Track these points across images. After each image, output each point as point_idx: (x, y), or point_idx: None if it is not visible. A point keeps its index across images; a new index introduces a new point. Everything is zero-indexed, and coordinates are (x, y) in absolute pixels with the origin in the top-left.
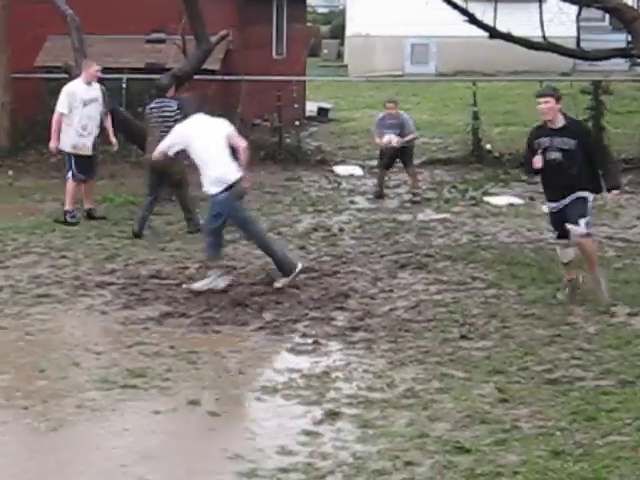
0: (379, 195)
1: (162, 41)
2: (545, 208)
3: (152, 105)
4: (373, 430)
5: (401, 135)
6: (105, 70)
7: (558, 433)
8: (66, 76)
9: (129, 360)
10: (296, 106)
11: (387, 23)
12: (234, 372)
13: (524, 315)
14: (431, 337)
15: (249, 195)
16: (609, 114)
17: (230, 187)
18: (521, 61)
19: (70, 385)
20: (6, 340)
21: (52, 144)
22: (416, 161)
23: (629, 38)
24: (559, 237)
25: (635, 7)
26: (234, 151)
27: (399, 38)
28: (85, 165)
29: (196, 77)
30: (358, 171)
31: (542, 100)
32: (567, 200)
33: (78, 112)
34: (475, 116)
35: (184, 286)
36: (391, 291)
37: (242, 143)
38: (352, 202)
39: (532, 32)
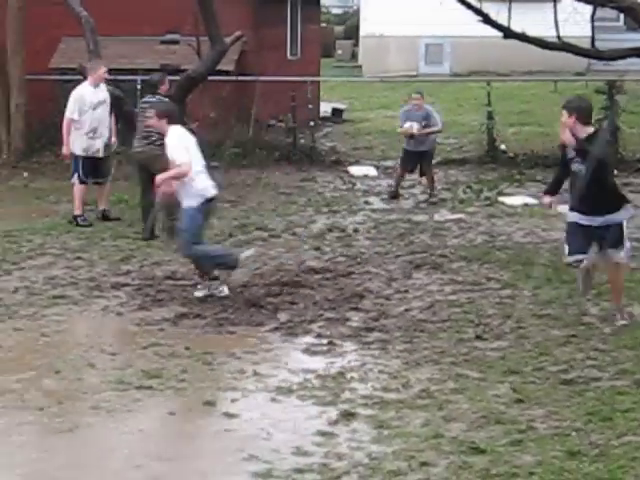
0: (394, 195)
1: (176, 42)
2: (565, 211)
3: (145, 100)
4: (388, 431)
5: (425, 127)
6: (120, 71)
7: (574, 433)
8: (81, 78)
9: (144, 361)
10: (310, 107)
11: (401, 23)
12: (249, 373)
13: (539, 315)
14: (446, 337)
15: (264, 196)
16: (624, 114)
17: (206, 202)
18: (535, 61)
19: (85, 386)
20: (22, 341)
21: (65, 150)
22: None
23: None
24: (573, 252)
25: None
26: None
27: (413, 38)
28: (93, 168)
29: (210, 78)
30: (372, 171)
31: (563, 112)
32: (601, 220)
33: (88, 116)
34: (489, 116)
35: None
36: (406, 292)
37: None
38: (367, 202)
39: (546, 32)
